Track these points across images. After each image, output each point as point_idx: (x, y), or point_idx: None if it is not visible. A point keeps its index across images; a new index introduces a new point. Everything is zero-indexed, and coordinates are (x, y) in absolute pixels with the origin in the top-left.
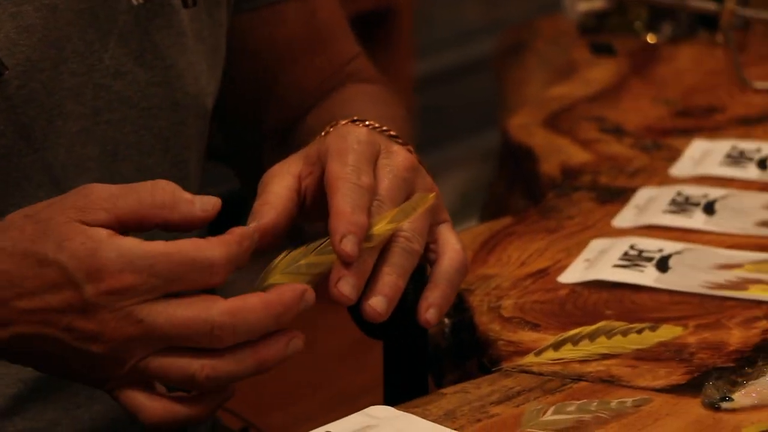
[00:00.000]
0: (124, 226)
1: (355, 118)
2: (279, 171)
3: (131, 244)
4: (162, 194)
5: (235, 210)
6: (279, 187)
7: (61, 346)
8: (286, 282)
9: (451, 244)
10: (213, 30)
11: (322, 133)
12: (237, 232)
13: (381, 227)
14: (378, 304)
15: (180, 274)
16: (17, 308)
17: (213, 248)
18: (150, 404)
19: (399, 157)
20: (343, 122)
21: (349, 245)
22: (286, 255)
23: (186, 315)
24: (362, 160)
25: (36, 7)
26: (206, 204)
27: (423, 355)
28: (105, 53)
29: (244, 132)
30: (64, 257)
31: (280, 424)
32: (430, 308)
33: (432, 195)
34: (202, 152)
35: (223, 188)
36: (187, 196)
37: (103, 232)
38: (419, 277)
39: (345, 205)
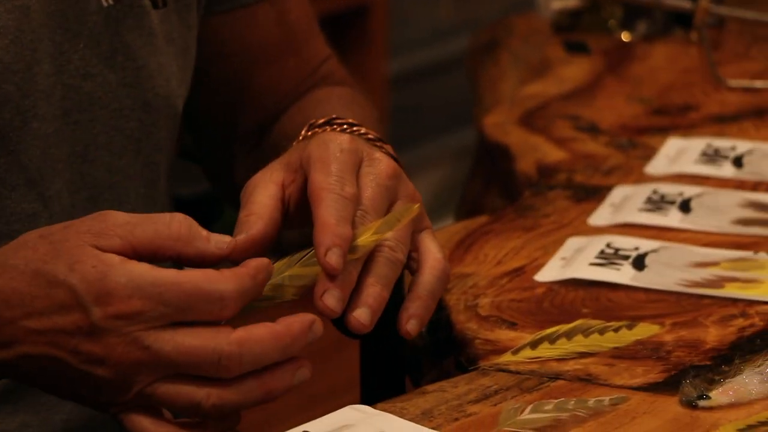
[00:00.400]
0: (138, 255)
1: (334, 116)
2: (262, 180)
3: (142, 270)
4: (179, 227)
5: (206, 210)
6: (263, 196)
7: (67, 368)
8: (271, 294)
9: (433, 254)
10: (183, 32)
11: (300, 138)
12: (252, 264)
13: (365, 239)
14: (363, 315)
15: (189, 305)
16: (25, 328)
17: (225, 281)
18: (155, 429)
19: (382, 165)
20: (321, 123)
21: (334, 258)
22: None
23: (193, 344)
24: (345, 170)
25: (8, 8)
26: (221, 243)
27: (400, 354)
28: (74, 54)
29: (215, 134)
30: (75, 279)
31: (257, 423)
32: (411, 319)
33: (416, 206)
34: (173, 154)
35: (195, 188)
36: (203, 232)
37: (116, 258)
38: (397, 282)
39: (329, 216)
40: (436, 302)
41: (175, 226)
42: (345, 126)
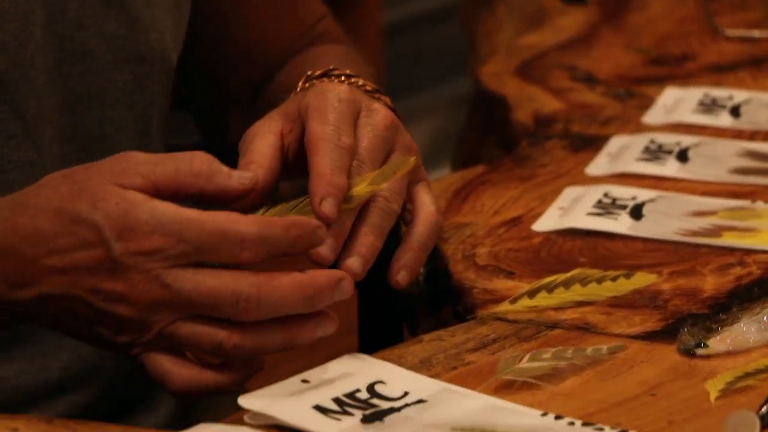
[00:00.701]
0: (160, 193)
1: (332, 67)
2: (260, 129)
3: (165, 207)
4: (200, 164)
5: None
6: (262, 145)
7: (87, 307)
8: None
9: (426, 206)
10: None
11: (298, 89)
12: (291, 218)
13: (360, 189)
14: (355, 264)
15: (210, 244)
16: (47, 266)
17: (247, 224)
18: (177, 370)
19: (379, 116)
20: (318, 74)
21: (328, 207)
22: (264, 212)
23: (213, 284)
24: (343, 120)
25: None
26: (243, 178)
27: (397, 303)
28: (69, 5)
29: (210, 90)
30: (98, 216)
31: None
32: (401, 270)
33: (412, 159)
34: (166, 108)
35: (191, 139)
36: (225, 168)
37: (139, 195)
38: (393, 232)
39: (325, 166)
40: (426, 254)
41: (197, 163)
42: (343, 77)
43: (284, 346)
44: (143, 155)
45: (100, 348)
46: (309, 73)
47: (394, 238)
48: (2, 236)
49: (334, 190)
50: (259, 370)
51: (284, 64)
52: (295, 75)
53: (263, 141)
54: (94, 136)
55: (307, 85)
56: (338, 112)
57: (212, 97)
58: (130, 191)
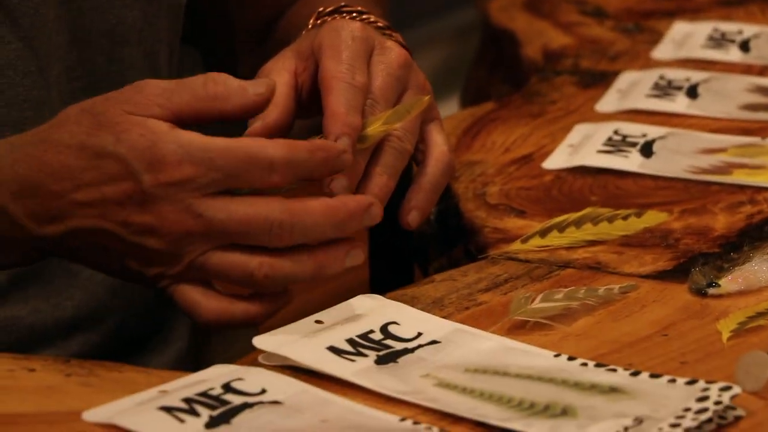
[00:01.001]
0: (181, 122)
1: (343, 3)
2: (274, 68)
3: (192, 136)
4: (214, 86)
5: None
6: (277, 84)
7: (117, 240)
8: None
9: (439, 146)
10: None
11: (309, 26)
12: (316, 141)
13: (374, 129)
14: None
15: (240, 169)
16: (74, 201)
17: (275, 147)
18: (206, 302)
19: (393, 54)
20: (330, 11)
21: (343, 145)
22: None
23: (246, 211)
24: (356, 58)
25: None
26: (258, 87)
27: (408, 243)
28: None
29: (219, 28)
30: (123, 149)
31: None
32: (413, 211)
33: (426, 98)
34: (175, 47)
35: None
36: (238, 83)
37: (163, 125)
38: (405, 172)
39: (339, 105)
40: (438, 195)
41: (211, 87)
42: (355, 14)
43: (314, 276)
44: (158, 83)
45: (129, 281)
46: (320, 9)
47: (406, 178)
48: (28, 173)
49: (348, 129)
50: (287, 304)
51: (294, 2)
52: (305, 13)
53: (278, 79)
54: (103, 73)
55: (318, 22)
56: (352, 50)
57: (221, 35)
58: (152, 120)
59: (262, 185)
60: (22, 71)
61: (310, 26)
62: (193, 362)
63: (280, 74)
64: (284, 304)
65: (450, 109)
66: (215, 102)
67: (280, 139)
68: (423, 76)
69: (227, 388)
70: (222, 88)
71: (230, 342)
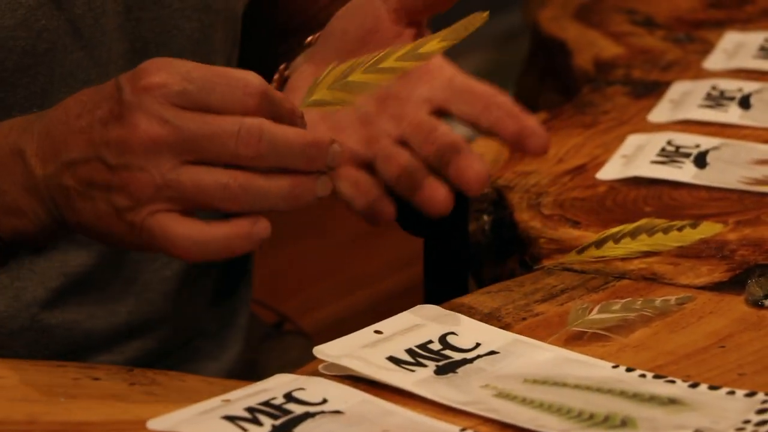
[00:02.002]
0: None
1: None
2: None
3: (180, 60)
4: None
5: None
6: None
7: (101, 170)
8: (332, 99)
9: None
10: None
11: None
12: (302, 115)
13: (432, 45)
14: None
15: (214, 85)
16: (74, 128)
17: (253, 74)
18: (183, 227)
19: None
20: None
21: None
22: (332, 69)
23: (216, 119)
24: None
25: None
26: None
27: (463, 252)
28: None
29: (264, 39)
30: (122, 75)
31: (300, 307)
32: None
33: (485, 14)
34: (232, 57)
35: None
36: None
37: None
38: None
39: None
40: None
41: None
42: None
43: (288, 198)
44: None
45: (115, 236)
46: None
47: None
48: (51, 117)
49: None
50: (264, 235)
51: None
52: None
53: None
54: None
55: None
56: None
57: (260, 48)
58: None
59: (236, 106)
60: (83, 80)
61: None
62: (249, 368)
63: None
64: (262, 233)
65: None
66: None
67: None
68: None
69: (289, 397)
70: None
71: (284, 349)
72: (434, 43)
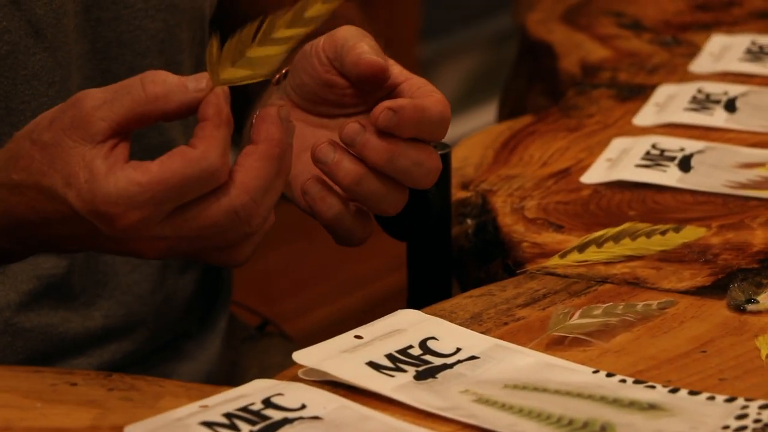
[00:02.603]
0: (127, 129)
1: None
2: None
3: (126, 178)
4: (153, 87)
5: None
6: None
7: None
8: (242, 76)
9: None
10: None
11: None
12: (209, 115)
13: (318, 7)
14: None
15: (184, 191)
16: (56, 234)
17: (206, 155)
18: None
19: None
20: None
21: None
22: (225, 45)
23: (209, 214)
24: None
25: None
26: (199, 83)
27: (446, 256)
28: None
29: None
30: (71, 197)
31: (292, 310)
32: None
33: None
34: (201, 57)
35: None
36: (177, 80)
37: (102, 167)
38: (443, 179)
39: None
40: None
41: (150, 88)
42: None
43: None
44: (96, 95)
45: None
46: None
47: (443, 191)
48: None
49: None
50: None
51: None
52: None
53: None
54: None
55: None
56: None
57: None
58: (94, 162)
59: (213, 188)
60: (47, 81)
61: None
62: (230, 371)
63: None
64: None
65: (487, 115)
66: (156, 103)
67: (200, 139)
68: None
69: (267, 403)
70: (161, 87)
71: (266, 352)
72: (319, 4)
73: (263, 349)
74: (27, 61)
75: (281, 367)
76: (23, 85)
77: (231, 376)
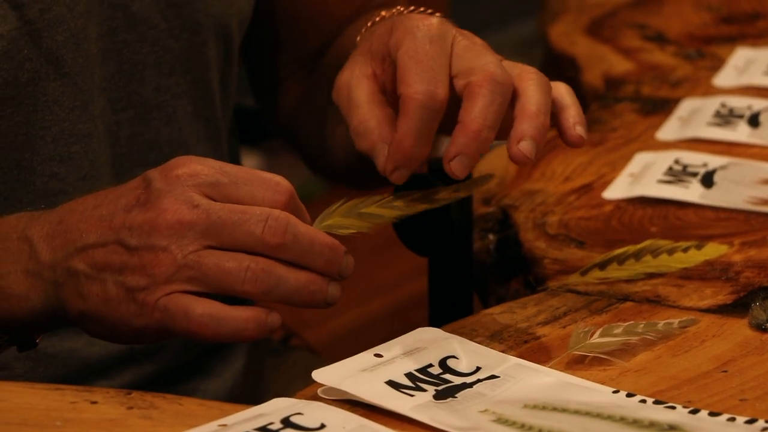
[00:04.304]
0: None
1: (401, 8)
2: (352, 77)
3: None
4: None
5: (246, 121)
6: (362, 95)
7: (118, 251)
8: (344, 224)
9: (524, 70)
10: None
11: (378, 19)
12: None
13: (446, 194)
14: (527, 147)
15: (246, 181)
16: (92, 217)
17: (282, 177)
18: (201, 304)
19: (475, 40)
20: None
21: (397, 176)
22: (345, 202)
23: (244, 207)
24: (436, 66)
25: None
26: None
27: (468, 271)
28: None
29: (267, 57)
30: (150, 170)
31: (313, 316)
32: (522, 140)
33: (493, 176)
34: (229, 73)
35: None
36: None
37: None
38: (464, 199)
39: (408, 134)
40: (548, 118)
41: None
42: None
43: (302, 289)
44: None
45: (117, 328)
46: (377, 18)
47: (465, 207)
48: (59, 212)
49: (408, 162)
50: (276, 326)
51: (343, 30)
52: (350, 40)
53: (361, 90)
54: (150, 104)
55: (378, 18)
56: (431, 57)
57: (267, 64)
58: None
59: (265, 201)
60: (68, 107)
61: (378, 19)
62: (253, 384)
63: (361, 82)
64: (273, 324)
65: None
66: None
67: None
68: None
69: (287, 422)
70: None
71: (291, 365)
72: (448, 192)
73: (287, 362)
74: (47, 87)
75: (306, 381)
76: (44, 111)
77: (255, 391)
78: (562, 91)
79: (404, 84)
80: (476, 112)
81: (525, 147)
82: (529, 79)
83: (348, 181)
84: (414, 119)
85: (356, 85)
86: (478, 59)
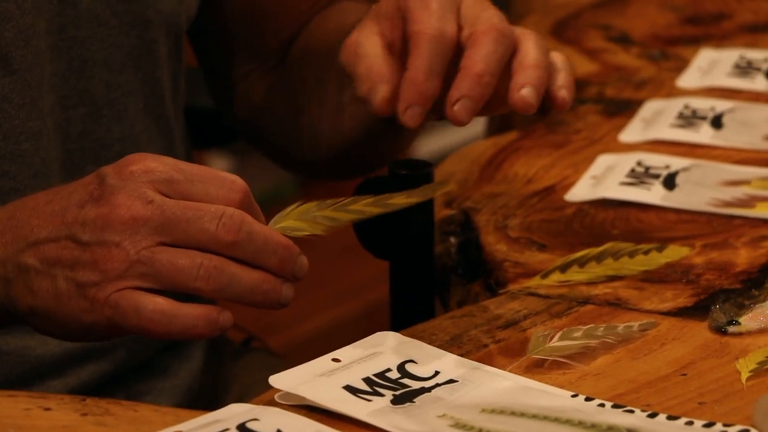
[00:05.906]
0: None
1: None
2: (360, 36)
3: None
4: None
5: (215, 123)
6: (371, 47)
7: (69, 247)
8: (298, 226)
9: (524, 32)
10: None
11: None
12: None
13: (400, 198)
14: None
15: (201, 177)
16: (45, 212)
17: (237, 176)
18: (152, 301)
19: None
20: None
21: (410, 115)
22: (300, 205)
23: (199, 204)
24: (446, 6)
25: None
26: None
27: (429, 274)
28: None
29: (220, 55)
30: (104, 167)
31: (282, 320)
32: (523, 88)
33: (450, 183)
34: (179, 70)
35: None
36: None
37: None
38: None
39: (419, 70)
40: (546, 73)
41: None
42: None
43: (254, 289)
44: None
45: (67, 323)
46: None
47: (425, 209)
48: (9, 209)
49: (421, 99)
50: (227, 325)
51: (309, 22)
52: (330, 28)
53: (369, 45)
54: (101, 101)
55: None
56: (440, 3)
57: (225, 62)
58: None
59: (220, 198)
60: (17, 104)
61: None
62: (212, 386)
63: (370, 39)
64: (225, 323)
65: (479, 123)
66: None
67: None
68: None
69: (242, 429)
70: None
71: (251, 367)
72: (402, 197)
73: (247, 365)
74: None
75: (265, 382)
76: None
77: (214, 393)
78: (556, 56)
79: (414, 22)
80: (479, 57)
81: (526, 93)
82: (528, 39)
83: (326, 171)
84: (425, 54)
85: (364, 41)
86: (483, 12)
